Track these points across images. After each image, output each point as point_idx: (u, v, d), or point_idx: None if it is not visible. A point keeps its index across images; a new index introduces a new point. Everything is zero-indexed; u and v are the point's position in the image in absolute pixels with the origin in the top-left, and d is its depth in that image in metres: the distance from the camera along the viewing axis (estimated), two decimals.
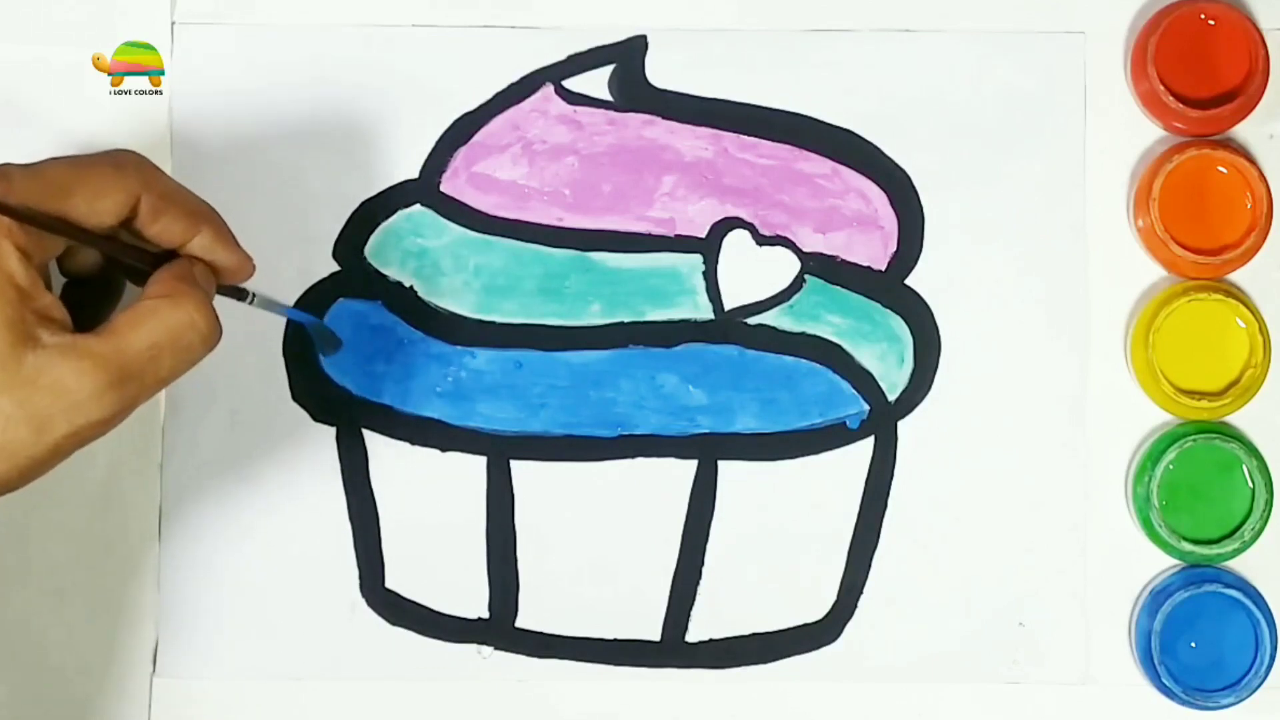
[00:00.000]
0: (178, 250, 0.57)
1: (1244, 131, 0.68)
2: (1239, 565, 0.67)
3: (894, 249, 0.68)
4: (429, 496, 0.68)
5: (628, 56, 0.69)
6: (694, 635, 0.68)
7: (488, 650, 0.68)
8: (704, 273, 0.68)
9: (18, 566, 0.67)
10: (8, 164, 0.53)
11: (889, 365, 0.68)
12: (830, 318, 0.68)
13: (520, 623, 0.68)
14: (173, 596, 0.67)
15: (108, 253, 0.56)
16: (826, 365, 0.68)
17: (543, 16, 0.69)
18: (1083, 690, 0.67)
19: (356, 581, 0.67)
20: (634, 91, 0.69)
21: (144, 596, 0.67)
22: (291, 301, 0.68)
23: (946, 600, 0.67)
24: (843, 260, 0.68)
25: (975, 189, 0.68)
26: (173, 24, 0.69)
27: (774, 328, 0.68)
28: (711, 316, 0.68)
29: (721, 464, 0.68)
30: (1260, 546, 0.66)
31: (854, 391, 0.68)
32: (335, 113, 0.68)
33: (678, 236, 0.68)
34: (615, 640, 0.67)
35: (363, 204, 0.68)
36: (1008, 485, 0.67)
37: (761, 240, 0.68)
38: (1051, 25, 0.69)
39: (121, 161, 0.55)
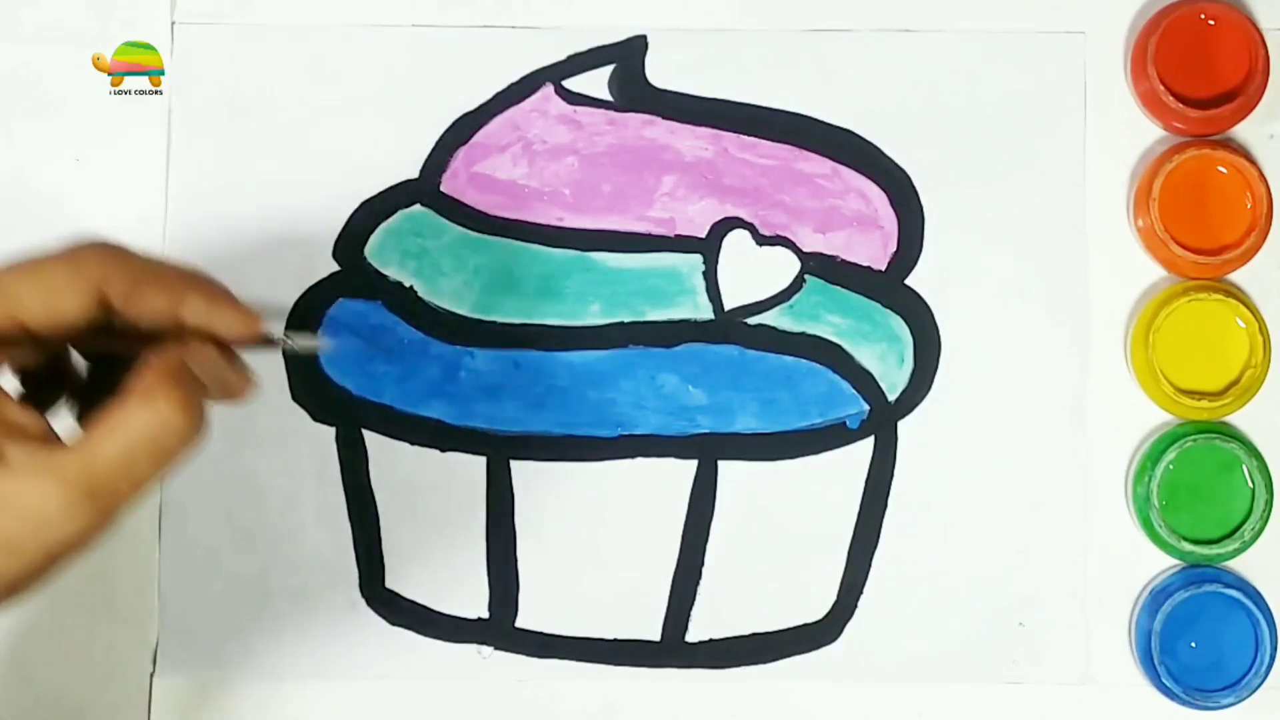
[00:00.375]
0: (172, 324, 0.53)
1: (1244, 131, 0.68)
2: (1239, 565, 0.67)
3: (894, 249, 0.68)
4: (429, 496, 0.68)
5: (628, 56, 0.69)
6: (694, 635, 0.68)
7: (488, 650, 0.68)
8: (704, 273, 0.68)
9: None
10: None
11: (889, 365, 0.68)
12: (830, 318, 0.68)
13: (520, 622, 0.68)
14: (173, 596, 0.67)
15: (82, 351, 0.53)
16: (826, 365, 0.68)
17: (543, 16, 0.69)
18: (1083, 690, 0.67)
19: (356, 581, 0.67)
20: (634, 91, 0.69)
21: (144, 596, 0.67)
22: (292, 301, 0.68)
23: (946, 600, 0.67)
24: (843, 260, 0.68)
25: (975, 189, 0.68)
26: (173, 24, 0.69)
27: (774, 328, 0.68)
28: (711, 316, 0.68)
29: (721, 464, 0.68)
30: (1260, 546, 0.66)
31: (854, 391, 0.68)
32: (335, 112, 0.69)
33: (678, 236, 0.68)
34: (615, 640, 0.67)
35: (363, 204, 0.68)
36: (1008, 485, 0.67)
37: (761, 240, 0.68)
38: (1051, 25, 0.69)
39: (76, 255, 0.51)
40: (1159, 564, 0.67)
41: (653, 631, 0.67)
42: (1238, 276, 0.68)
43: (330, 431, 0.68)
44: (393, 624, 0.67)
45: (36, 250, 0.51)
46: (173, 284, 0.53)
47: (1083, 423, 0.68)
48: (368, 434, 0.68)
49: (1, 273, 0.50)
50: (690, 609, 0.68)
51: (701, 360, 0.68)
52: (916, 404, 0.68)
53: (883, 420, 0.68)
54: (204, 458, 0.67)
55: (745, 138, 0.68)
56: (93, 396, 0.53)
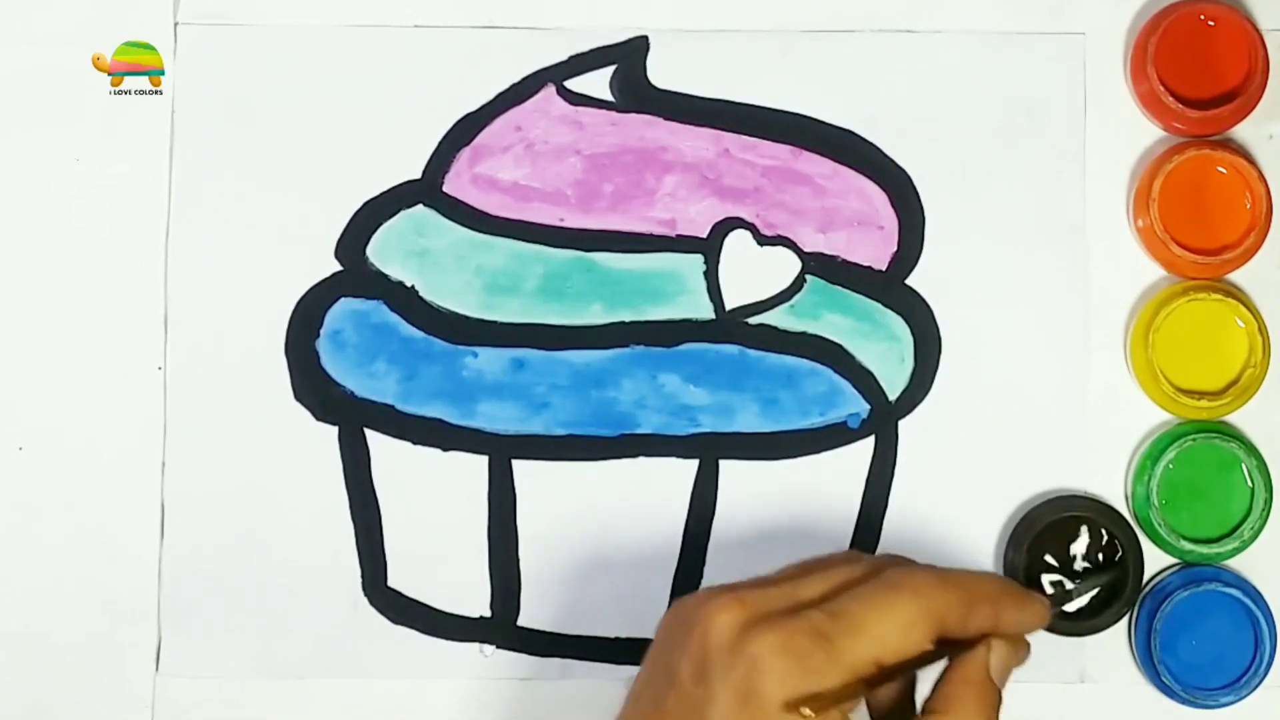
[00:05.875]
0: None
1: (1243, 131, 0.68)
2: (1238, 564, 0.67)
3: (894, 249, 0.68)
4: (431, 496, 0.68)
5: (629, 57, 0.69)
6: None
7: (490, 649, 0.68)
8: (705, 273, 0.68)
9: (20, 566, 0.67)
10: (823, 622, 0.51)
11: (889, 365, 0.68)
12: (831, 317, 0.68)
13: (522, 621, 0.68)
14: (175, 595, 0.68)
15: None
16: (827, 365, 0.68)
17: (544, 17, 0.69)
18: (1082, 689, 0.67)
19: (359, 580, 0.68)
20: (636, 92, 0.69)
21: (146, 595, 0.67)
22: (293, 300, 0.68)
23: None
24: (843, 260, 0.68)
25: (975, 189, 0.69)
26: (175, 24, 0.69)
27: (775, 327, 0.68)
28: (713, 316, 0.68)
29: (722, 463, 0.68)
30: (1259, 545, 0.66)
31: (855, 391, 0.68)
32: (337, 113, 0.69)
33: (679, 237, 0.68)
34: (617, 639, 0.68)
35: (365, 204, 0.68)
36: (1008, 485, 0.68)
37: (762, 240, 0.68)
38: (1051, 25, 0.69)
39: (920, 590, 0.53)
40: (1159, 563, 0.67)
41: (654, 630, 0.67)
42: (1237, 276, 0.68)
43: (333, 431, 0.68)
44: (395, 623, 0.67)
45: (865, 578, 0.53)
46: (993, 598, 0.54)
47: (1083, 422, 0.68)
48: (370, 434, 0.68)
49: (860, 611, 0.52)
50: None
51: (702, 360, 0.68)
52: (917, 403, 0.68)
53: (883, 420, 0.68)
54: (206, 458, 0.68)
55: (746, 138, 0.69)
56: None
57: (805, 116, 0.69)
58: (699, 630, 0.52)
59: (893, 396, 0.68)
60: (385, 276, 0.68)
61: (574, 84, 0.69)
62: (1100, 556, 0.66)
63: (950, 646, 0.54)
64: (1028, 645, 0.56)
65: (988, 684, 0.54)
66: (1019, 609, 0.55)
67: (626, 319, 0.68)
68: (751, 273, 0.68)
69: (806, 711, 0.49)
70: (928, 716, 0.54)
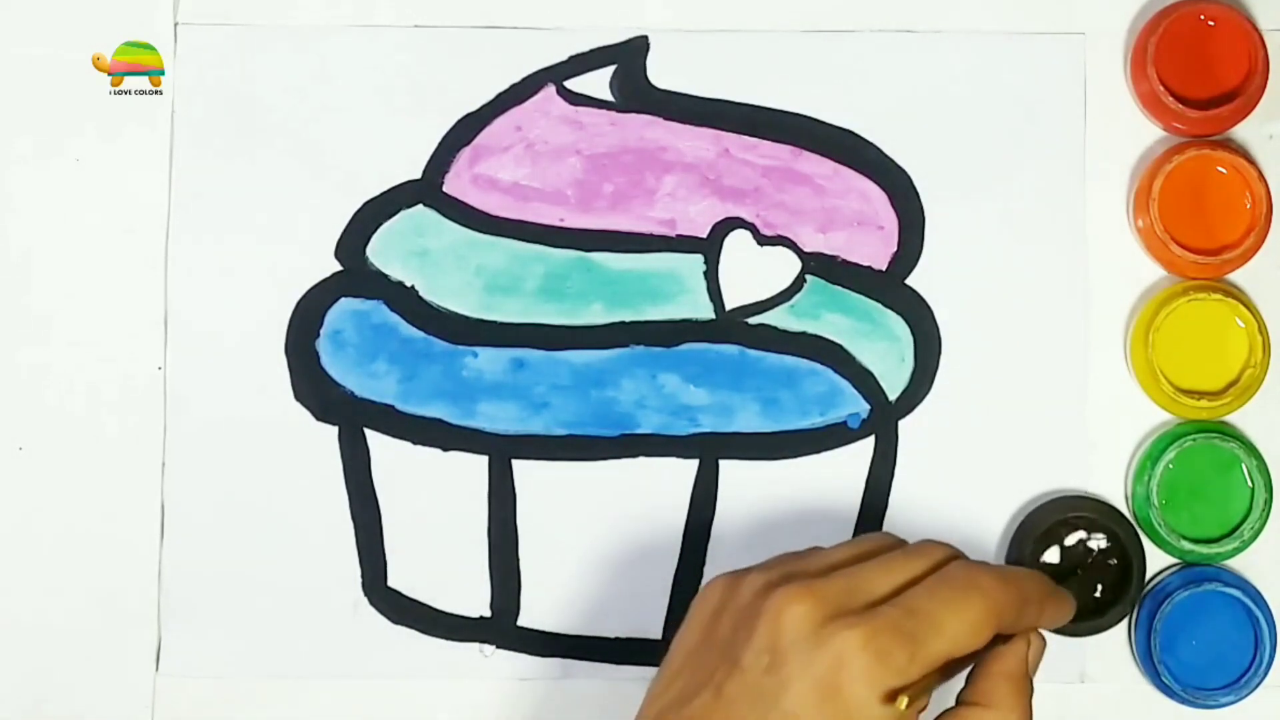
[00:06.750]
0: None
1: (1243, 132, 0.68)
2: (1238, 564, 0.67)
3: (894, 249, 0.68)
4: (431, 496, 0.68)
5: (629, 57, 0.69)
6: None
7: (490, 649, 0.68)
8: (705, 273, 0.68)
9: (20, 566, 0.67)
10: (903, 620, 0.52)
11: (889, 365, 0.68)
12: (831, 317, 0.68)
13: (522, 621, 0.68)
14: (175, 595, 0.68)
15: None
16: (827, 365, 0.68)
17: (544, 17, 0.69)
18: (1082, 689, 0.67)
19: (359, 580, 0.68)
20: (635, 92, 0.69)
21: (146, 595, 0.67)
22: (293, 300, 0.68)
23: None
24: (843, 260, 0.68)
25: (975, 189, 0.69)
26: (175, 24, 0.69)
27: (775, 327, 0.68)
28: (713, 316, 0.68)
29: (722, 463, 0.68)
30: (1259, 545, 0.66)
31: (854, 391, 0.68)
32: (338, 112, 0.69)
33: (679, 237, 0.68)
34: (617, 639, 0.68)
35: (365, 204, 0.68)
36: (1008, 485, 0.68)
37: (762, 240, 0.68)
38: (1051, 25, 0.69)
39: (986, 591, 0.54)
40: (1158, 563, 0.67)
41: (654, 630, 0.68)
42: (1237, 276, 0.68)
43: (333, 431, 0.68)
44: (395, 623, 0.68)
45: (927, 573, 0.55)
46: (1039, 598, 0.56)
47: (1082, 422, 0.68)
48: (370, 434, 0.68)
49: (935, 610, 0.53)
50: None
51: (702, 360, 0.68)
52: (917, 403, 0.68)
53: (883, 420, 0.68)
54: (206, 458, 0.68)
55: (746, 138, 0.69)
56: None
57: (805, 116, 0.69)
58: (768, 619, 0.52)
59: (893, 396, 0.68)
60: (385, 276, 0.68)
61: (574, 84, 0.69)
62: (1100, 556, 0.66)
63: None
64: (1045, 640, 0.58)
65: (1026, 678, 0.55)
66: (1056, 608, 0.57)
67: (626, 319, 0.68)
68: (751, 273, 0.68)
69: (903, 701, 0.51)
70: (970, 709, 0.55)
